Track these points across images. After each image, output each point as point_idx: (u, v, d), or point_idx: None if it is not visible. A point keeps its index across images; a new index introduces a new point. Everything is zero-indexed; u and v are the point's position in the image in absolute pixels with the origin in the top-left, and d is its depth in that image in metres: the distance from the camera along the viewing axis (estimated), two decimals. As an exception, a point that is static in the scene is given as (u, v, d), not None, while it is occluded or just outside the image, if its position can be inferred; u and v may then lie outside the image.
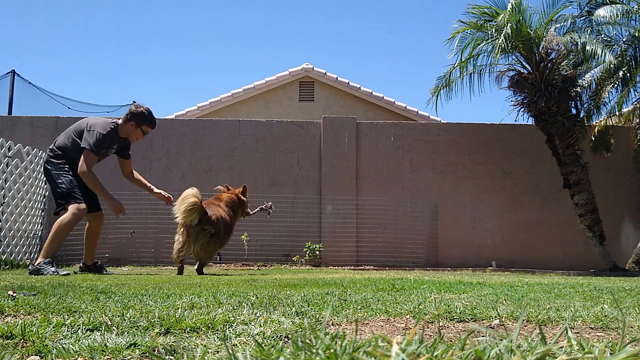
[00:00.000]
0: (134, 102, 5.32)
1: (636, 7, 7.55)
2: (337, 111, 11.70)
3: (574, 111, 7.71)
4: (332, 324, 1.49)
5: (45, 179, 5.28)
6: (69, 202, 4.87)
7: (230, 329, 1.32)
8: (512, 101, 7.97)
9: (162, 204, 8.31)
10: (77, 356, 1.05)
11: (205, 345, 1.12)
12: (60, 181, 4.89)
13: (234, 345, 1.14)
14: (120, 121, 5.15)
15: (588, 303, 2.05)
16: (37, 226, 7.29)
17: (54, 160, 4.97)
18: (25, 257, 6.81)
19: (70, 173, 4.94)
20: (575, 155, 7.41)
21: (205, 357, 1.00)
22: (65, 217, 4.83)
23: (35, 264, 4.67)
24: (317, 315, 1.56)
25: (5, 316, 1.55)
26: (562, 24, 7.95)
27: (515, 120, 8.14)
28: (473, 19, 7.94)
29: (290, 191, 8.09)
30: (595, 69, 8.09)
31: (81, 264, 5.42)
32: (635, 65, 7.63)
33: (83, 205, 4.90)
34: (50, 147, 5.10)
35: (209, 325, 1.35)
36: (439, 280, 3.61)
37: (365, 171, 8.41)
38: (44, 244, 7.47)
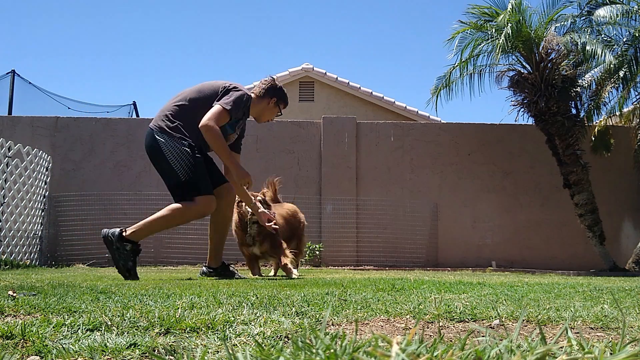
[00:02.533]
0: (272, 77, 4.21)
1: (636, 7, 7.55)
2: (337, 111, 11.70)
3: (574, 111, 7.72)
4: (332, 324, 1.49)
5: (151, 160, 3.99)
6: (192, 195, 3.82)
7: (230, 329, 1.32)
8: (512, 101, 7.98)
9: (163, 204, 8.31)
10: (77, 356, 1.05)
11: (205, 345, 1.12)
12: (177, 165, 3.79)
13: (234, 345, 1.14)
14: (252, 96, 4.14)
15: (588, 303, 2.05)
16: (37, 226, 7.29)
17: (170, 134, 3.82)
18: (25, 257, 6.81)
19: (194, 152, 3.84)
20: (575, 155, 7.42)
21: (205, 357, 1.00)
22: (191, 206, 3.80)
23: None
24: (317, 315, 1.56)
25: (5, 316, 1.55)
26: (562, 23, 7.95)
27: (515, 120, 8.16)
28: (473, 19, 7.94)
29: (290, 191, 8.08)
30: (596, 69, 8.09)
31: (204, 267, 4.28)
32: (635, 65, 7.63)
33: (214, 200, 3.87)
34: (162, 116, 3.91)
35: (209, 325, 1.35)
36: (439, 280, 3.61)
37: (365, 171, 8.41)
38: (44, 244, 7.52)
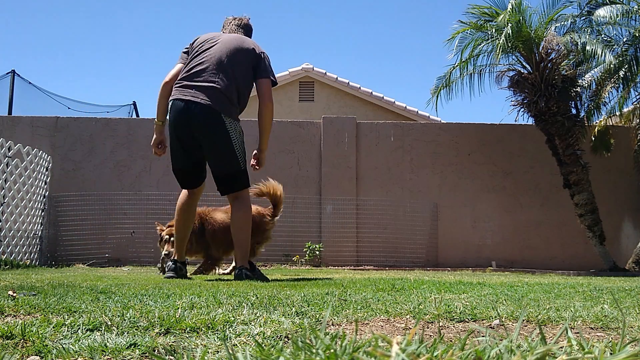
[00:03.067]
0: (248, 17, 4.12)
1: (636, 7, 7.55)
2: (337, 111, 11.70)
3: (574, 111, 7.72)
4: (332, 324, 1.49)
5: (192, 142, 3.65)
6: (245, 184, 3.73)
7: (230, 329, 1.32)
8: (512, 101, 7.98)
9: (163, 204, 8.36)
10: (77, 356, 1.05)
11: (205, 345, 1.12)
12: (239, 151, 3.66)
13: (234, 345, 1.14)
14: None
15: (588, 303, 2.05)
16: (37, 226, 7.29)
17: (234, 116, 3.64)
18: (25, 257, 6.81)
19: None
20: (575, 155, 7.42)
21: (205, 357, 1.00)
22: (248, 204, 3.76)
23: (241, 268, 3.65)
24: (317, 315, 1.56)
25: (5, 316, 1.55)
26: (562, 23, 7.96)
27: (515, 120, 8.16)
28: (473, 19, 7.94)
29: (290, 191, 8.08)
30: (596, 69, 8.09)
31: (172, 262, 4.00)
32: (635, 65, 7.63)
33: None
34: (220, 94, 3.58)
35: (209, 325, 1.35)
36: (439, 280, 3.61)
37: (365, 171, 8.41)
38: (44, 244, 7.52)
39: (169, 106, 3.70)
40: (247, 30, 4.08)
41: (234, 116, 3.64)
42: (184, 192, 3.94)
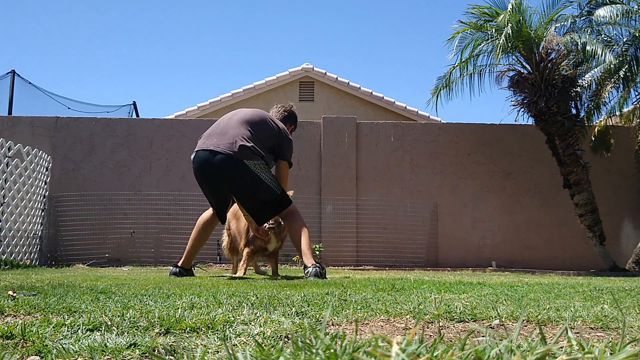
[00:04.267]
0: (291, 105, 4.78)
1: (636, 7, 7.54)
2: (337, 111, 11.70)
3: (574, 111, 7.71)
4: (332, 324, 1.49)
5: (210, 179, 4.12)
6: (288, 202, 4.21)
7: (230, 329, 1.32)
8: (512, 101, 7.98)
9: (162, 204, 8.38)
10: (77, 356, 1.05)
11: (205, 345, 1.12)
12: (270, 180, 4.12)
13: (234, 345, 1.14)
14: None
15: (588, 303, 2.05)
16: (37, 226, 7.29)
17: (254, 156, 4.06)
18: (25, 257, 6.81)
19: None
20: (575, 155, 7.41)
21: (205, 357, 1.00)
22: (299, 214, 4.30)
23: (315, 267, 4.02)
24: (317, 315, 1.56)
25: (5, 316, 1.55)
26: (562, 23, 7.95)
27: (515, 120, 8.15)
28: (473, 19, 7.94)
29: (290, 191, 8.08)
30: (596, 69, 8.09)
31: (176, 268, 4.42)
32: (635, 65, 7.63)
33: None
34: (246, 143, 4.03)
35: (209, 325, 1.35)
36: (439, 280, 3.61)
37: (365, 171, 8.41)
38: (44, 244, 7.52)
39: (192, 157, 4.16)
40: (284, 115, 4.62)
41: (255, 159, 4.02)
42: (211, 211, 4.37)
